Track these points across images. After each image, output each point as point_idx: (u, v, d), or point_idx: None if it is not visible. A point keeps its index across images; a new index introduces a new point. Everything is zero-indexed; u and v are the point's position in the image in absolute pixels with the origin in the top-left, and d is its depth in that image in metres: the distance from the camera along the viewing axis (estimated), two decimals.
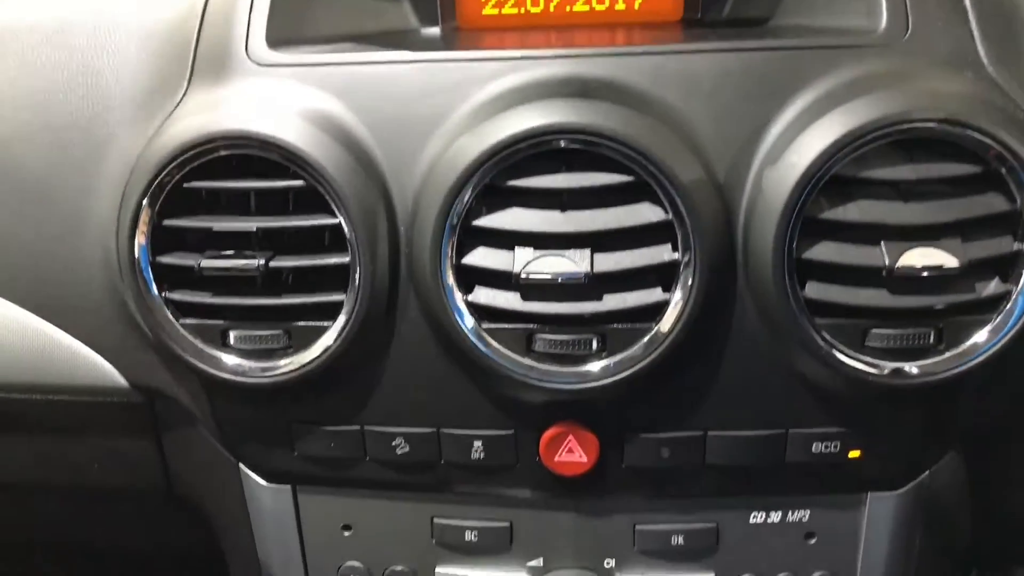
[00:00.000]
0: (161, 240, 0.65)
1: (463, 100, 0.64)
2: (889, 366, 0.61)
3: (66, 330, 0.74)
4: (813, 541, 0.71)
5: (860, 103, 0.59)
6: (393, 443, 0.68)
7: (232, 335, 0.66)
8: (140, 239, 0.65)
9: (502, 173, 0.60)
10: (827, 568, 0.72)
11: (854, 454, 0.66)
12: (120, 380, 0.75)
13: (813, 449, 0.66)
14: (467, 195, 0.61)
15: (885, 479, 0.69)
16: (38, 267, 0.73)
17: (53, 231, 0.72)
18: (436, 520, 0.73)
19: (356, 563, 0.75)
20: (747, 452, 0.66)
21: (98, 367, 0.75)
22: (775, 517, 0.71)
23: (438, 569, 0.74)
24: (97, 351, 0.75)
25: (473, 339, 0.62)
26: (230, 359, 0.66)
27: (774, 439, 0.66)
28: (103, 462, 0.83)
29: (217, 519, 0.82)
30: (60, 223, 0.71)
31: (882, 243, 0.59)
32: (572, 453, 0.67)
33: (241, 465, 0.75)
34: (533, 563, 0.73)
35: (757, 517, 0.71)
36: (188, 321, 0.67)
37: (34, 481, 0.86)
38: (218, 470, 0.77)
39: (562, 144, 0.60)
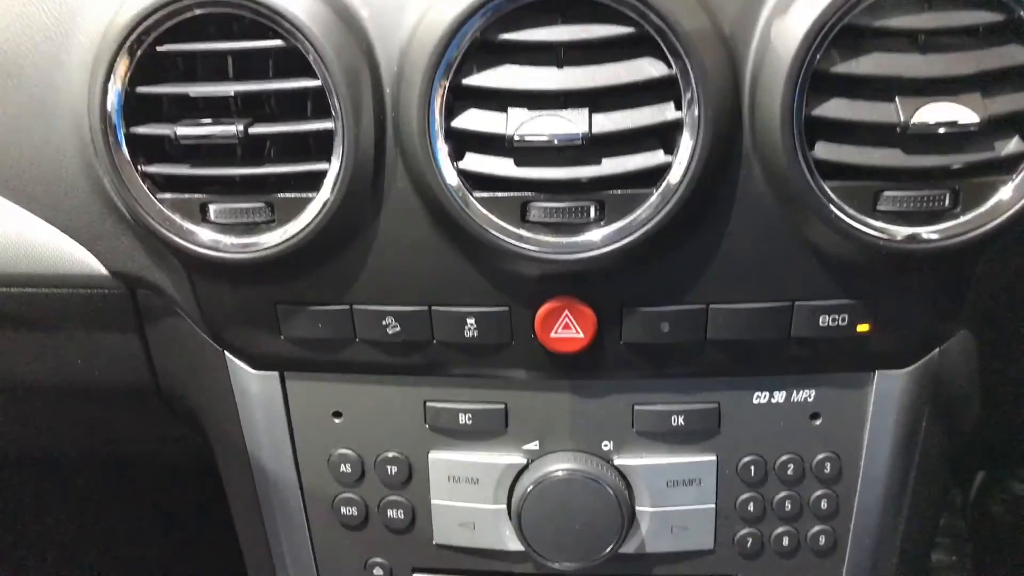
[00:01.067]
0: (135, 110, 0.62)
1: None
2: (904, 231, 0.58)
3: (41, 215, 0.71)
4: (818, 422, 0.69)
5: None
6: (383, 322, 0.66)
7: (212, 209, 0.63)
8: (112, 108, 0.61)
9: (494, 25, 0.57)
10: (832, 449, 0.70)
11: (863, 328, 0.64)
12: (99, 268, 0.73)
13: (820, 323, 0.63)
14: (456, 50, 0.57)
15: (893, 356, 0.67)
16: (8, 148, 0.70)
17: (22, 108, 0.68)
18: (429, 404, 0.70)
19: (347, 451, 0.73)
20: (751, 326, 0.64)
21: (76, 255, 0.72)
22: (779, 397, 0.69)
23: (431, 454, 0.72)
24: (74, 237, 0.71)
25: (464, 209, 0.59)
26: (210, 235, 0.63)
27: (779, 312, 0.63)
28: (87, 358, 0.81)
29: (205, 414, 0.80)
30: (29, 99, 0.67)
31: (896, 98, 0.56)
32: (569, 329, 0.64)
33: (227, 354, 0.72)
34: (529, 446, 0.71)
35: (760, 397, 0.69)
36: (165, 196, 0.63)
37: (18, 380, 0.84)
38: (204, 361, 0.74)
39: None
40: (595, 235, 0.59)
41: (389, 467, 0.73)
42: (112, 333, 0.78)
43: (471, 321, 0.65)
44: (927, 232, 0.58)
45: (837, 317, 0.64)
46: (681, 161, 0.57)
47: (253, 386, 0.73)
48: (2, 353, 0.82)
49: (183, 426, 0.90)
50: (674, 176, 0.58)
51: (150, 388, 0.82)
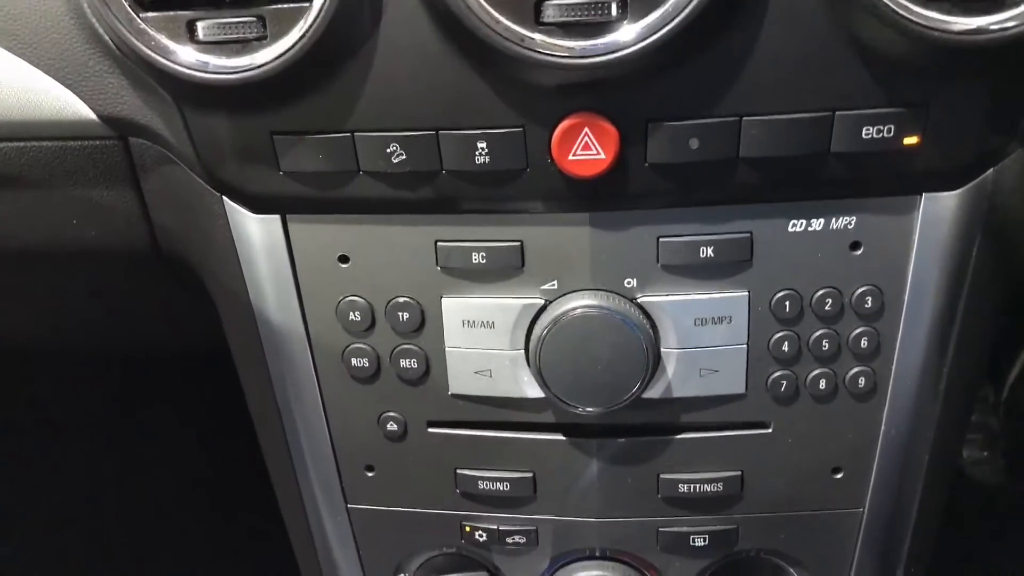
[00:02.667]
0: None
1: None
2: (969, 22, 0.52)
3: (22, 55, 0.66)
4: (858, 252, 0.64)
5: None
6: (388, 150, 0.61)
7: (200, 27, 0.58)
8: None
9: None
10: (873, 282, 0.65)
11: (910, 141, 0.58)
12: (88, 114, 0.68)
13: (863, 134, 0.58)
14: None
15: (943, 176, 0.61)
16: None
17: None
18: (440, 243, 0.66)
19: (355, 298, 0.69)
20: (787, 140, 0.58)
21: (62, 100, 0.67)
22: (816, 225, 0.64)
23: (444, 299, 0.68)
24: (59, 79, 0.67)
25: (470, 9, 0.54)
26: (197, 55, 0.58)
27: (818, 123, 0.58)
28: (82, 218, 0.77)
29: (206, 271, 0.76)
30: None
31: None
32: (589, 150, 0.59)
33: (225, 199, 0.68)
34: (547, 286, 0.66)
35: (796, 225, 0.64)
36: (150, 15, 0.58)
37: (9, 245, 0.81)
38: (202, 211, 0.70)
39: None
40: (625, 33, 0.54)
41: (400, 313, 0.69)
42: (106, 188, 0.74)
43: (482, 145, 0.60)
44: (1000, 19, 0.51)
45: (882, 128, 0.58)
46: None
47: (254, 232, 0.68)
48: None
49: (187, 298, 0.87)
50: None
51: (148, 248, 0.78)
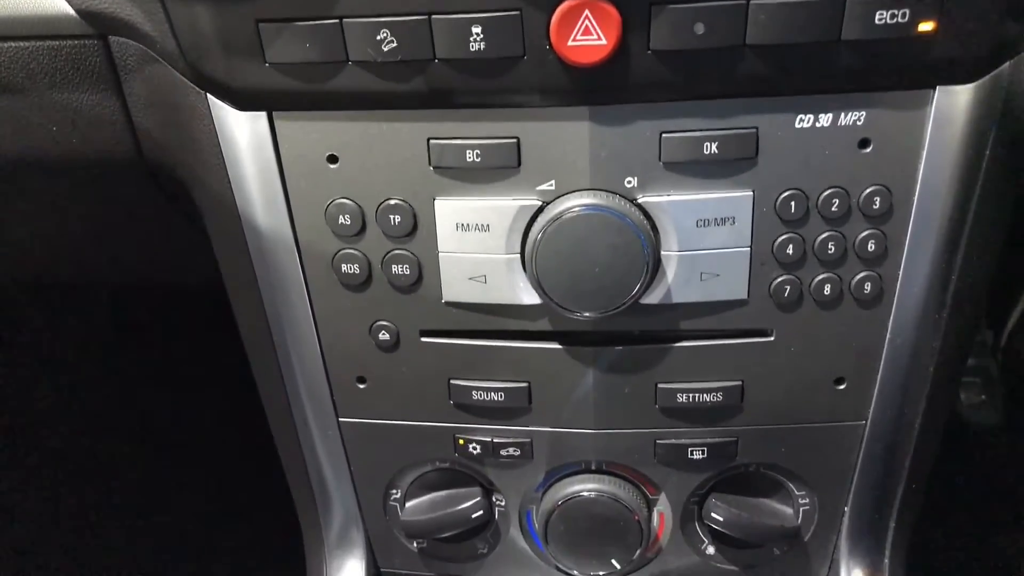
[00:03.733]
0: None
1: None
2: None
3: None
4: (868, 150, 0.62)
5: None
6: (378, 37, 0.58)
7: None
8: None
9: None
10: (882, 181, 0.63)
11: (925, 27, 0.55)
12: (67, 9, 0.65)
13: (876, 19, 0.55)
14: None
15: (957, 67, 0.59)
16: None
17: None
18: (433, 141, 0.63)
19: (345, 200, 0.66)
20: (796, 25, 0.55)
21: None
22: (824, 120, 0.61)
23: (437, 201, 0.65)
24: None
25: None
26: None
27: (830, 7, 0.55)
28: (63, 124, 0.74)
29: (191, 177, 0.73)
30: None
31: None
32: (589, 35, 0.56)
33: (210, 97, 0.65)
34: (544, 186, 0.64)
35: (803, 121, 0.61)
36: None
37: None
38: (186, 112, 0.67)
39: None
40: None
41: (391, 217, 0.66)
42: (87, 92, 0.71)
43: (476, 30, 0.57)
44: None
45: (896, 13, 0.55)
46: None
47: (239, 130, 0.65)
48: None
49: (174, 211, 0.85)
50: None
51: (132, 156, 0.75)
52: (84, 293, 1.45)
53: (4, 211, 0.94)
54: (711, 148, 0.61)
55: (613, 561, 0.76)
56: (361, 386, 0.74)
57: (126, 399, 1.55)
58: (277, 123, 0.65)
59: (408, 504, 0.80)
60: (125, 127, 0.73)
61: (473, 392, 0.72)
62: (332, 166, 0.66)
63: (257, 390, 0.82)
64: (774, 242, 0.65)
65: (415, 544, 0.83)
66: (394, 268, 0.68)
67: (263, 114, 0.65)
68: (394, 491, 0.80)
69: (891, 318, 0.68)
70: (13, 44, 0.69)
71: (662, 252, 0.64)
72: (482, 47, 0.58)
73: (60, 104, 0.73)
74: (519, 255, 0.66)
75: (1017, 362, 1.69)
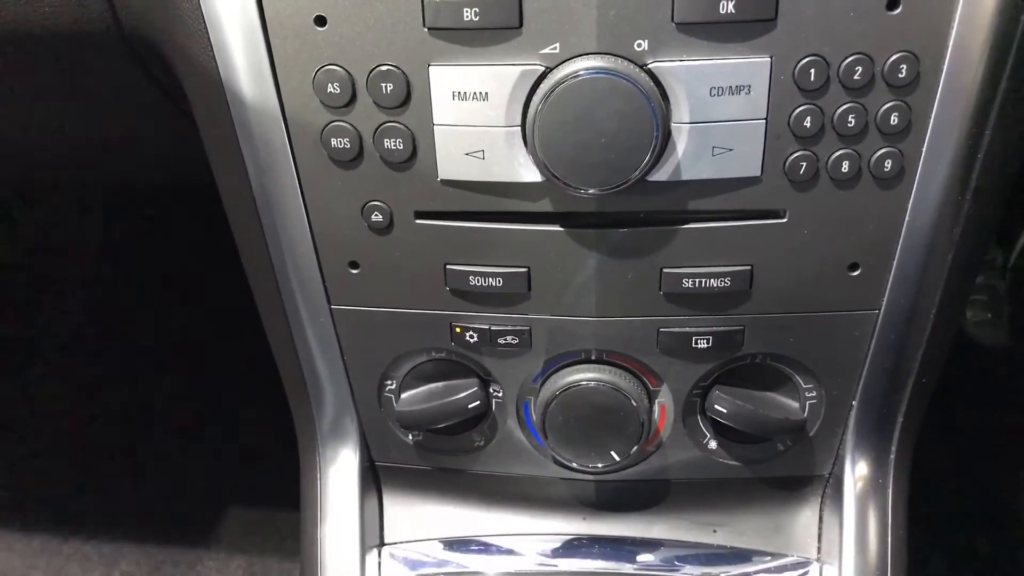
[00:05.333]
0: None
1: None
2: None
3: None
4: (896, 12, 0.57)
5: None
6: None
7: None
8: None
9: None
10: (909, 48, 0.58)
11: None
12: None
13: None
14: None
15: None
16: None
17: None
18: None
19: (334, 67, 0.62)
20: None
21: None
22: None
23: (432, 67, 0.61)
24: None
25: None
26: None
27: None
28: None
29: (174, 50, 0.68)
30: None
31: None
32: None
33: None
34: (547, 50, 0.59)
35: None
36: None
37: None
38: None
39: None
40: None
41: (383, 84, 0.62)
42: None
43: None
44: None
45: None
46: None
47: None
48: None
49: (157, 93, 0.81)
50: None
51: (110, 27, 0.71)
52: (75, 192, 1.42)
53: None
54: (727, 7, 0.57)
55: (612, 453, 0.74)
56: (353, 271, 0.71)
57: (115, 301, 1.54)
58: None
59: (403, 395, 0.78)
60: None
61: (470, 277, 0.69)
62: (320, 28, 0.61)
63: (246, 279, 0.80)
64: (791, 114, 0.61)
65: (410, 436, 0.81)
66: (386, 142, 0.64)
67: None
68: (389, 382, 0.78)
69: (911, 199, 0.64)
70: None
71: (672, 123, 0.60)
72: None
73: None
74: (520, 127, 0.62)
75: None
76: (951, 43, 0.59)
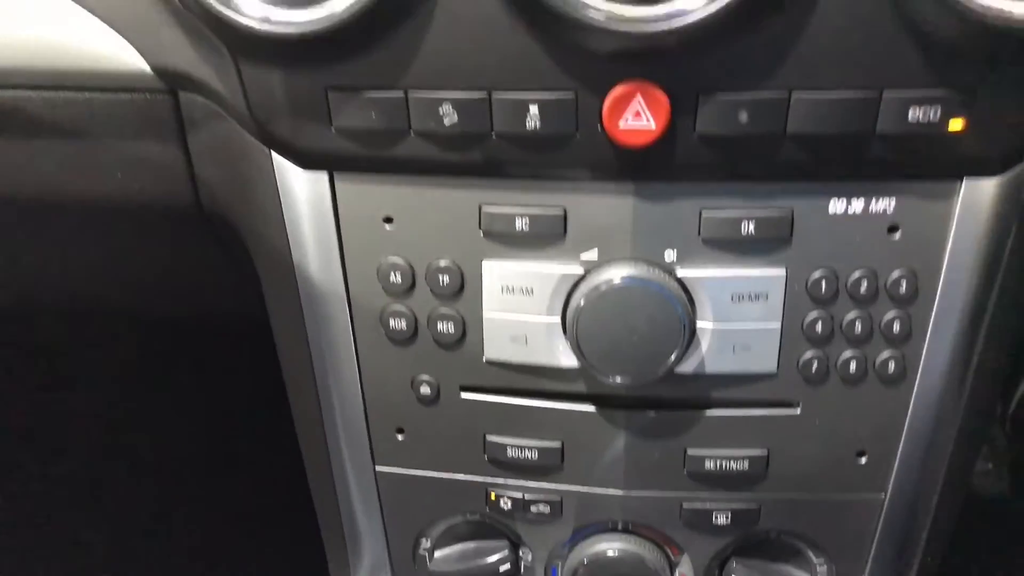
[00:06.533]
0: None
1: None
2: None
3: (83, 4, 0.68)
4: (896, 235, 0.65)
5: None
6: (440, 110, 0.62)
7: None
8: None
9: None
10: (908, 266, 0.66)
11: (955, 125, 0.59)
12: (142, 65, 0.69)
13: (909, 116, 0.59)
14: None
15: (985, 161, 0.62)
16: None
17: None
18: (484, 208, 0.67)
19: (397, 259, 0.70)
20: (834, 118, 0.59)
21: (118, 50, 0.69)
22: (857, 206, 0.64)
23: (485, 263, 0.68)
24: (117, 29, 0.68)
25: None
26: (261, 6, 0.59)
27: (866, 102, 0.58)
28: (127, 170, 0.78)
29: (249, 230, 0.77)
30: None
31: None
32: (639, 119, 0.60)
33: (274, 154, 0.69)
34: (587, 255, 0.67)
35: (837, 205, 0.64)
36: None
37: (55, 193, 0.82)
38: (249, 165, 0.71)
39: None
40: (686, 2, 0.54)
41: (441, 276, 0.70)
42: (153, 142, 0.75)
43: (533, 109, 0.61)
44: None
45: (929, 109, 0.59)
46: None
47: (301, 187, 0.69)
48: (39, 163, 0.79)
49: (222, 264, 0.88)
50: None
51: (191, 204, 0.79)
52: (119, 322, 1.48)
53: (48, 239, 0.98)
54: (748, 228, 0.65)
55: None
56: (399, 437, 0.77)
57: (154, 429, 1.57)
58: (337, 183, 0.69)
59: (437, 554, 0.82)
60: (186, 176, 0.77)
61: (508, 449, 0.74)
62: (387, 226, 0.69)
63: (294, 432, 0.85)
64: (804, 319, 0.68)
65: None
66: (439, 325, 0.71)
67: (324, 174, 0.69)
68: (424, 540, 0.82)
69: (913, 397, 0.71)
70: (88, 94, 0.73)
71: (698, 324, 0.68)
72: (537, 125, 0.61)
73: (126, 151, 0.77)
74: (560, 319, 0.69)
75: None
76: (946, 261, 0.66)
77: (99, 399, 1.54)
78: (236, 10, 0.59)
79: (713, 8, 0.54)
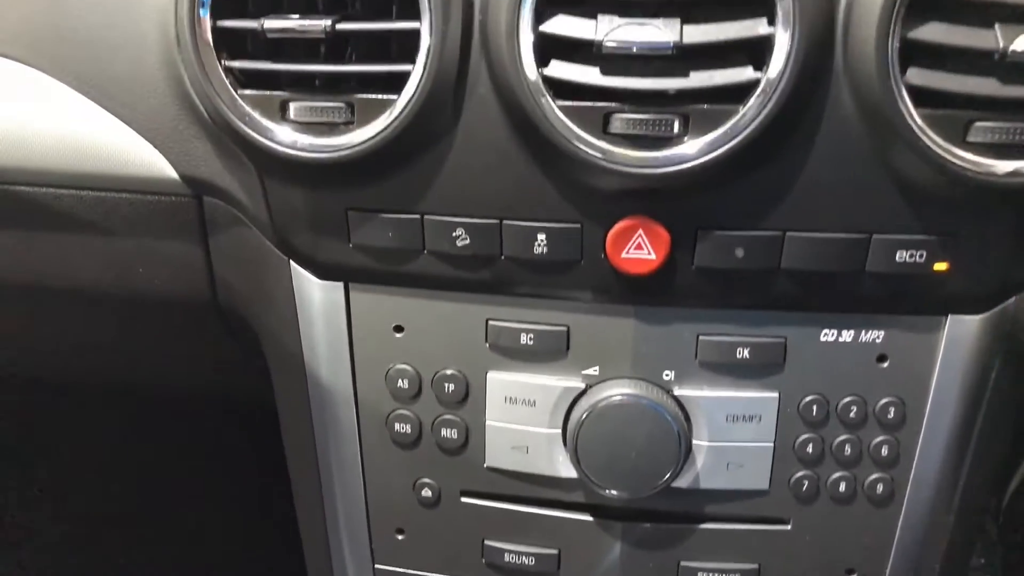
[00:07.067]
0: (221, 4, 0.62)
1: None
2: (1004, 165, 0.57)
3: (119, 116, 0.72)
4: (885, 365, 0.68)
5: None
6: (454, 234, 0.65)
7: (292, 107, 0.63)
8: (201, 1, 0.62)
9: None
10: (897, 394, 0.69)
11: (940, 267, 0.63)
12: (170, 172, 0.73)
13: (897, 258, 0.62)
14: None
15: (968, 300, 0.66)
16: (92, 44, 0.71)
17: (108, 6, 0.69)
18: (491, 322, 0.70)
19: (406, 366, 0.73)
20: (826, 257, 0.63)
21: (147, 158, 0.73)
22: (847, 336, 0.68)
23: (490, 374, 0.71)
24: (148, 139, 0.72)
25: (545, 117, 0.59)
26: (290, 134, 0.63)
27: (856, 244, 0.62)
28: (148, 266, 0.82)
29: (263, 325, 0.80)
30: None
31: (996, 25, 0.55)
32: (640, 250, 0.63)
33: (292, 263, 0.73)
34: (589, 371, 0.70)
35: (828, 335, 0.68)
36: (247, 92, 0.63)
37: (78, 284, 0.85)
38: (267, 271, 0.74)
39: None
40: (689, 147, 0.58)
41: (447, 385, 0.72)
42: (176, 241, 0.79)
43: (541, 237, 0.64)
44: None
45: (915, 253, 0.62)
46: (772, 76, 0.56)
47: (317, 296, 0.72)
48: (66, 256, 0.83)
49: (232, 347, 0.91)
50: (768, 86, 0.57)
51: (207, 299, 0.82)
52: (118, 399, 1.50)
53: (59, 321, 1.00)
54: (743, 353, 0.68)
55: None
56: (399, 537, 0.79)
57: (153, 508, 1.57)
58: (352, 293, 0.72)
59: None
60: (205, 275, 0.80)
61: (506, 554, 0.76)
62: (397, 335, 0.72)
63: (295, 517, 0.86)
64: (796, 440, 0.70)
65: None
66: (443, 431, 0.74)
67: (340, 284, 0.72)
68: None
69: (902, 516, 0.73)
70: (116, 195, 0.77)
71: (694, 441, 0.70)
72: (545, 251, 0.65)
73: (148, 249, 0.80)
74: (561, 431, 0.71)
75: (1017, 525, 1.71)
76: (932, 391, 0.69)
77: (90, 472, 1.54)
78: (268, 137, 0.63)
79: (709, 157, 0.58)
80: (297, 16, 0.61)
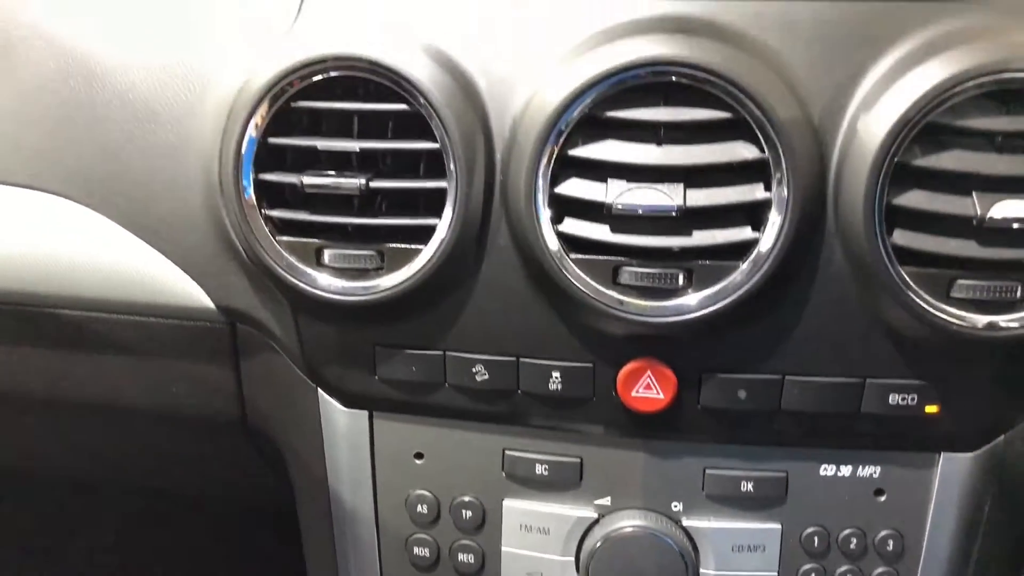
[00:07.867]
0: (264, 159, 0.68)
1: (565, 33, 0.65)
2: (983, 319, 0.61)
3: (161, 251, 0.77)
4: (882, 498, 0.72)
5: (958, 52, 0.60)
6: (473, 370, 0.70)
7: (327, 254, 0.68)
8: (245, 155, 0.67)
9: (601, 104, 0.62)
10: (895, 527, 0.72)
11: (931, 409, 0.67)
12: (207, 302, 0.78)
13: (890, 400, 0.66)
14: (565, 124, 0.62)
15: (959, 439, 0.69)
16: (140, 186, 0.76)
17: (155, 151, 0.75)
18: (508, 452, 0.74)
19: (425, 492, 0.76)
20: (823, 399, 0.67)
21: (187, 289, 0.78)
22: (845, 471, 0.71)
23: (506, 502, 0.75)
24: (189, 272, 0.77)
25: (561, 269, 0.64)
26: (324, 278, 0.68)
27: (851, 388, 0.66)
28: (182, 387, 0.86)
29: (290, 448, 0.84)
30: (163, 143, 0.74)
31: (973, 193, 0.60)
32: (649, 390, 0.68)
33: (320, 391, 0.77)
34: (601, 501, 0.73)
35: (827, 469, 0.71)
36: (285, 239, 0.69)
37: (116, 402, 0.89)
38: (295, 397, 0.79)
39: (672, 79, 0.61)
40: (690, 299, 0.63)
41: (464, 511, 0.76)
42: (209, 365, 0.83)
43: (556, 374, 0.69)
44: (1005, 321, 0.61)
45: (907, 396, 0.66)
46: (769, 237, 0.62)
47: (342, 423, 0.77)
48: (105, 375, 0.87)
49: (259, 462, 0.94)
50: (764, 247, 0.62)
51: (236, 420, 0.86)
52: (131, 498, 1.52)
53: (94, 431, 1.04)
54: (747, 486, 0.71)
55: None
56: None
57: None
58: (376, 421, 0.76)
59: None
60: (235, 397, 0.85)
61: None
62: (418, 462, 0.76)
63: None
64: (798, 570, 0.73)
65: None
66: (460, 556, 0.77)
67: (365, 412, 0.76)
68: None
69: None
70: (154, 320, 0.82)
71: (701, 570, 0.73)
72: (559, 387, 0.69)
73: (181, 371, 0.85)
74: (574, 559, 0.74)
75: None
76: (929, 524, 0.72)
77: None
78: (305, 280, 0.68)
79: (710, 309, 0.63)
80: (334, 173, 0.67)
